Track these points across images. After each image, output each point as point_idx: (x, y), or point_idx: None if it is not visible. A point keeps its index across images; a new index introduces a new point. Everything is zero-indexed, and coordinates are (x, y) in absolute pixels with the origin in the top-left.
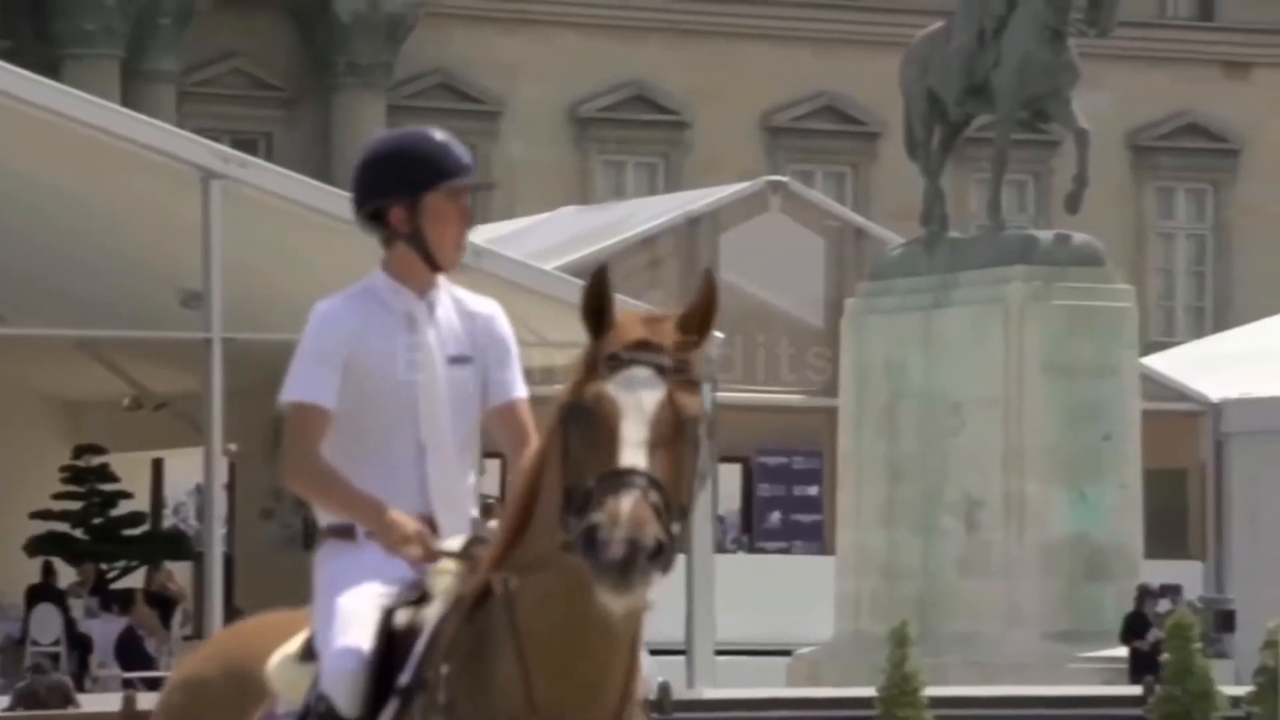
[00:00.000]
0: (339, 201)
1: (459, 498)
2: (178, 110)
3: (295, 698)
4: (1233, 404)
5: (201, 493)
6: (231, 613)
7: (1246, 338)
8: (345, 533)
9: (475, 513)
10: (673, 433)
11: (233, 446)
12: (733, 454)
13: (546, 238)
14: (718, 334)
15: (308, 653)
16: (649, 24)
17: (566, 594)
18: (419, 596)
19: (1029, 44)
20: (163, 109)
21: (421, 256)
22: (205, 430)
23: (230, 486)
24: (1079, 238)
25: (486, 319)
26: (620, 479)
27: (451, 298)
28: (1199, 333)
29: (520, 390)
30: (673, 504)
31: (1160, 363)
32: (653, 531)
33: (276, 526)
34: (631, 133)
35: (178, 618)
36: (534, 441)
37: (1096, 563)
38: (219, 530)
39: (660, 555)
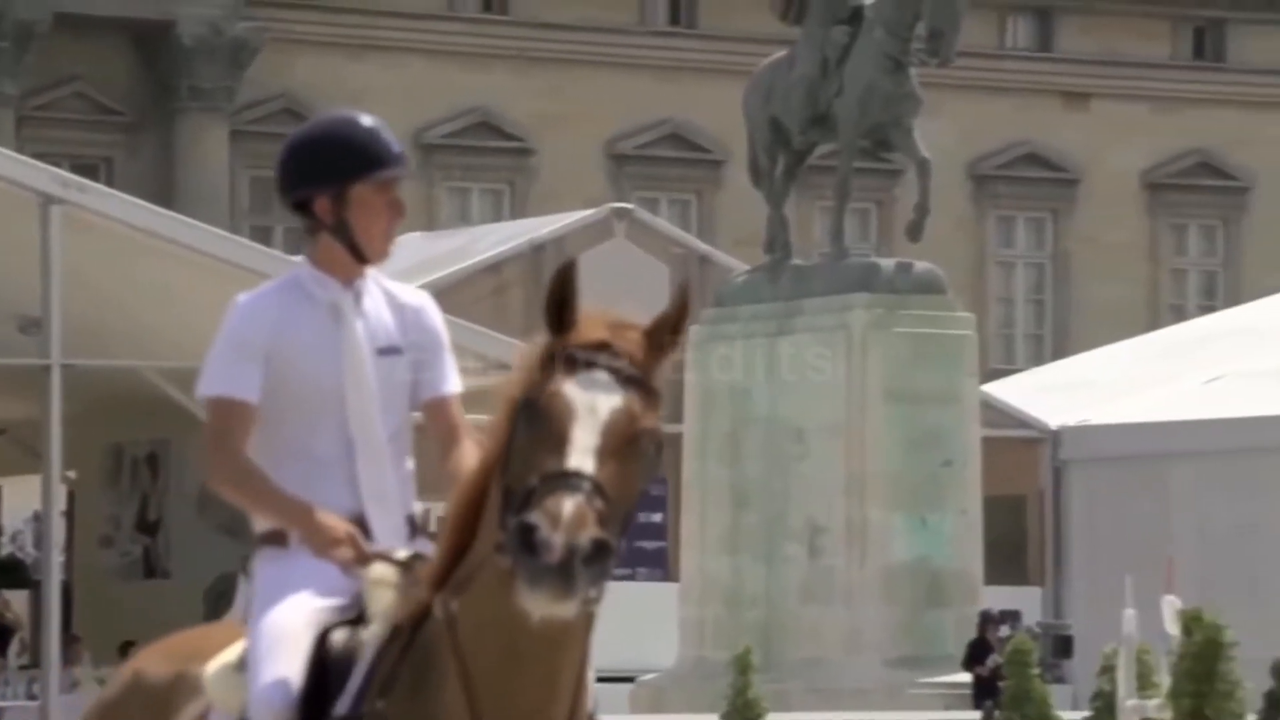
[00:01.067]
0: (180, 227)
1: (391, 496)
2: (17, 135)
3: (231, 709)
4: (1071, 431)
5: (39, 520)
6: (69, 640)
7: (1084, 365)
8: (277, 539)
9: (412, 509)
10: (624, 444)
11: (71, 474)
12: None
13: (390, 265)
14: None
15: (245, 663)
16: (495, 51)
17: (507, 603)
18: (357, 615)
19: (871, 73)
20: (2, 134)
21: (347, 248)
22: (44, 457)
23: (69, 514)
24: (920, 266)
25: (416, 310)
26: (565, 480)
27: (381, 289)
28: (1038, 360)
29: (451, 385)
30: (614, 515)
31: (1000, 390)
32: (592, 535)
33: (115, 554)
34: (477, 159)
35: (15, 646)
36: (464, 440)
37: (937, 589)
38: (57, 558)
39: (598, 562)
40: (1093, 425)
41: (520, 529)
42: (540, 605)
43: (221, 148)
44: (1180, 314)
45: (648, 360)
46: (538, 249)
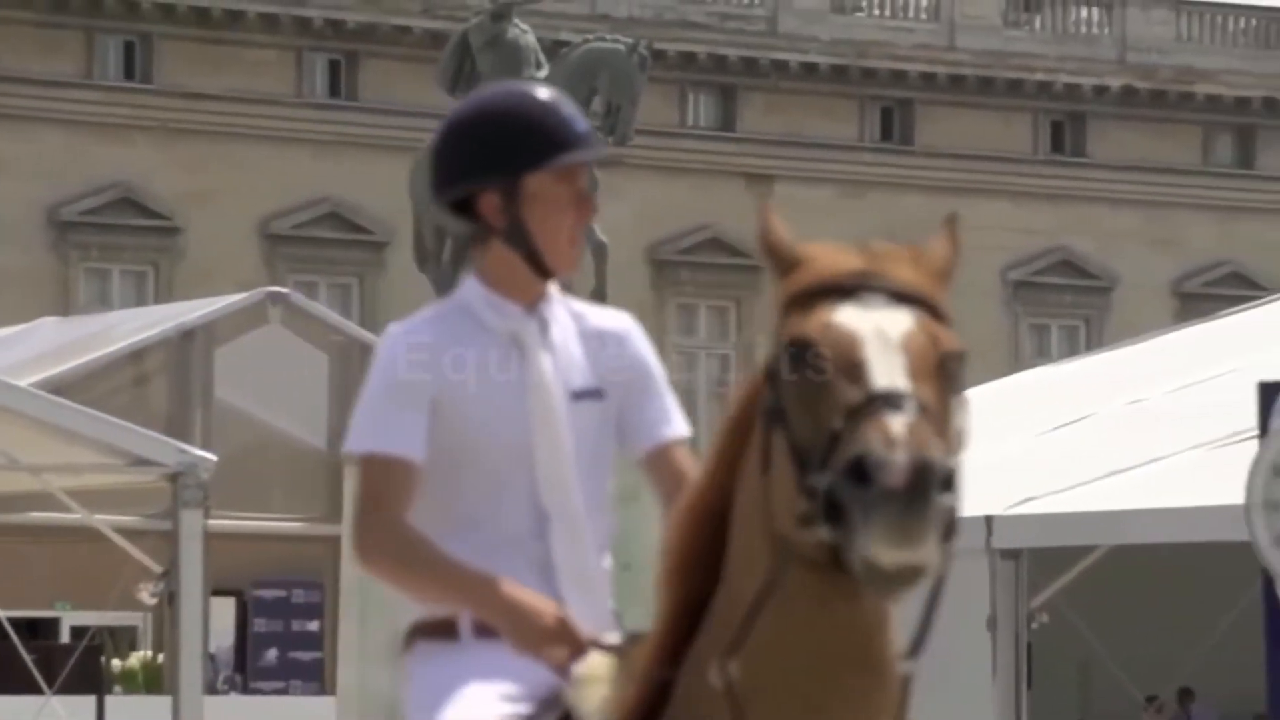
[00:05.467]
0: None
1: (595, 580)
2: None
3: None
4: None
5: None
6: None
7: None
8: (444, 630)
9: (611, 603)
10: (932, 368)
11: None
12: (225, 587)
13: (22, 351)
14: (209, 455)
15: None
16: (137, 122)
17: (817, 626)
18: (562, 717)
19: None
20: None
21: (525, 257)
22: None
23: None
24: None
25: (618, 339)
26: (882, 401)
27: (569, 313)
28: None
29: (677, 428)
30: (950, 444)
31: None
32: (941, 451)
33: None
34: (117, 238)
35: None
36: None
37: None
38: None
39: (951, 493)
40: None
41: (849, 464)
42: (888, 552)
43: None
44: None
45: (925, 280)
46: (185, 335)
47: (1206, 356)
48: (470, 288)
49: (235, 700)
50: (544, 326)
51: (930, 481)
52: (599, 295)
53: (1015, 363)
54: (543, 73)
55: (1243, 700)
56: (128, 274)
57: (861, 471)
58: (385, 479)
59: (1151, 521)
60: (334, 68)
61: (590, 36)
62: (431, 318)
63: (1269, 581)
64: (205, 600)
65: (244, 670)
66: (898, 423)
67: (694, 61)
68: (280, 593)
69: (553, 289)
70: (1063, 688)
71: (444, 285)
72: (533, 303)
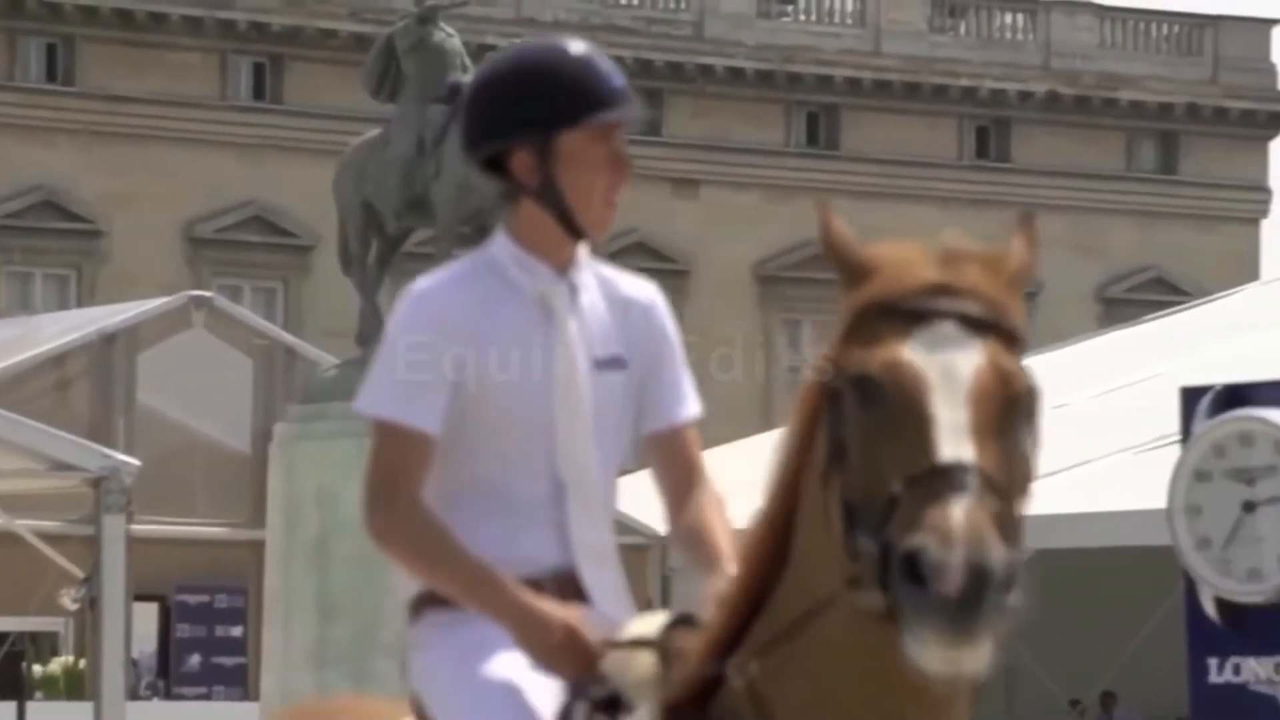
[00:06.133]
0: None
1: (608, 550)
2: None
3: None
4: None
5: None
6: None
7: None
8: (453, 599)
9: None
10: (1003, 412)
11: None
12: (149, 592)
13: None
14: (132, 460)
15: None
16: (59, 124)
17: (857, 655)
18: (606, 696)
19: None
20: None
21: (557, 218)
22: None
23: None
24: None
25: (645, 308)
26: (942, 479)
27: (597, 278)
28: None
29: (689, 409)
30: (1012, 516)
31: None
32: (1000, 552)
33: None
34: (40, 241)
35: None
36: (701, 484)
37: None
38: None
39: (1007, 589)
40: None
41: (904, 557)
42: (938, 655)
43: None
44: None
45: (999, 294)
46: (108, 339)
47: (1130, 362)
48: (500, 245)
49: (158, 706)
50: (573, 291)
51: (986, 588)
52: None
53: None
54: (468, 77)
55: (1165, 704)
56: (50, 278)
57: (917, 571)
58: (403, 452)
59: (1075, 526)
60: (259, 71)
61: (516, 41)
62: (459, 277)
63: (1191, 586)
64: (128, 605)
65: (167, 676)
66: (958, 511)
67: (620, 65)
68: (203, 598)
69: (582, 251)
70: (987, 692)
71: (369, 289)
72: (563, 265)
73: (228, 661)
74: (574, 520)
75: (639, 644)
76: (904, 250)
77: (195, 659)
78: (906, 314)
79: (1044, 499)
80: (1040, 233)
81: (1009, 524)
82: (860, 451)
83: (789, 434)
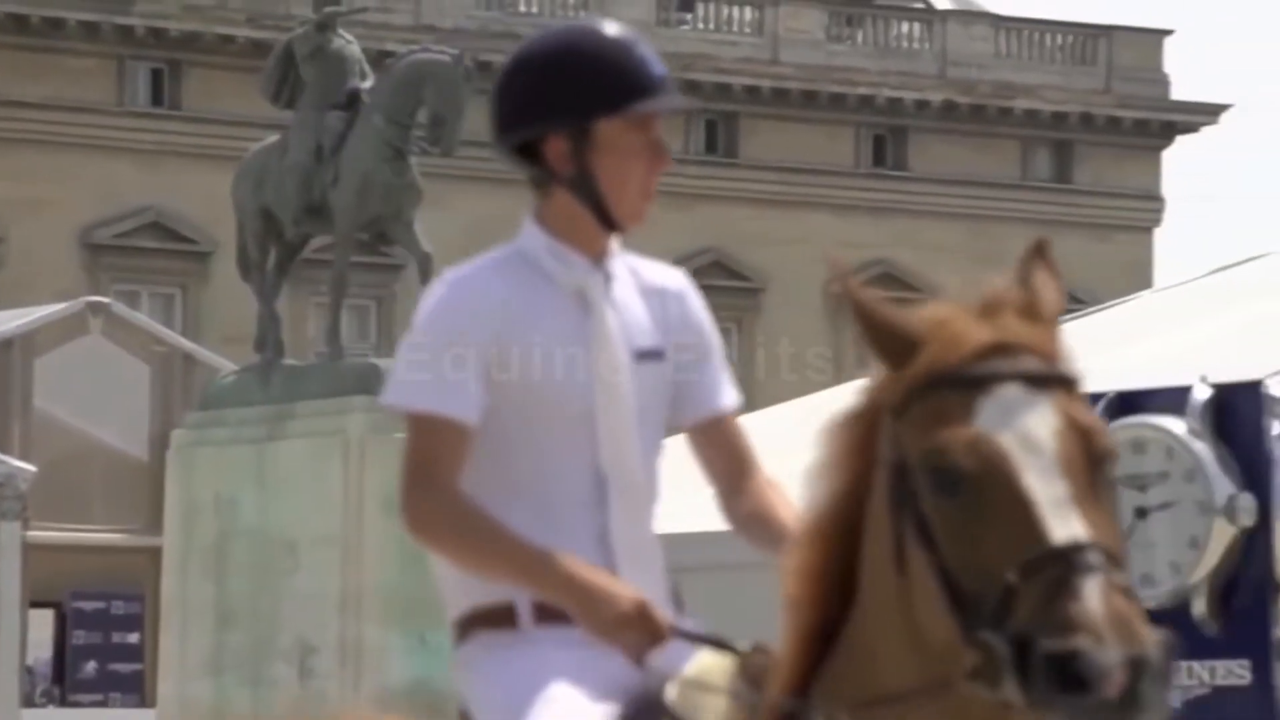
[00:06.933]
0: None
1: (652, 553)
2: None
3: None
4: None
5: None
6: None
7: None
8: (502, 618)
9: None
10: (1092, 473)
11: None
12: (44, 598)
13: None
14: (27, 466)
15: None
16: None
17: None
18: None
19: (369, 162)
20: None
21: (591, 208)
22: None
23: None
24: None
25: (679, 297)
26: (1064, 563)
27: (627, 267)
28: None
29: (730, 397)
30: (1129, 581)
31: None
32: (1152, 638)
33: None
34: None
35: None
36: (757, 472)
37: (437, 710)
38: None
39: (1166, 671)
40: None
41: (1053, 659)
42: None
43: None
44: None
45: (1051, 342)
46: (4, 345)
47: None
48: (532, 235)
49: (53, 713)
50: (609, 282)
51: (1147, 678)
52: None
53: (839, 374)
54: (367, 83)
55: None
56: None
57: (1072, 674)
58: (439, 443)
59: None
60: (156, 76)
61: (415, 48)
62: (492, 266)
63: None
64: (23, 612)
65: (62, 682)
66: (1096, 602)
67: None
68: (100, 604)
69: (615, 242)
70: None
71: (268, 295)
72: (598, 255)
73: (124, 668)
74: (615, 518)
75: (727, 649)
76: (943, 311)
77: (91, 666)
78: (967, 382)
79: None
80: (935, 240)
81: (1132, 594)
82: (953, 538)
83: (835, 468)
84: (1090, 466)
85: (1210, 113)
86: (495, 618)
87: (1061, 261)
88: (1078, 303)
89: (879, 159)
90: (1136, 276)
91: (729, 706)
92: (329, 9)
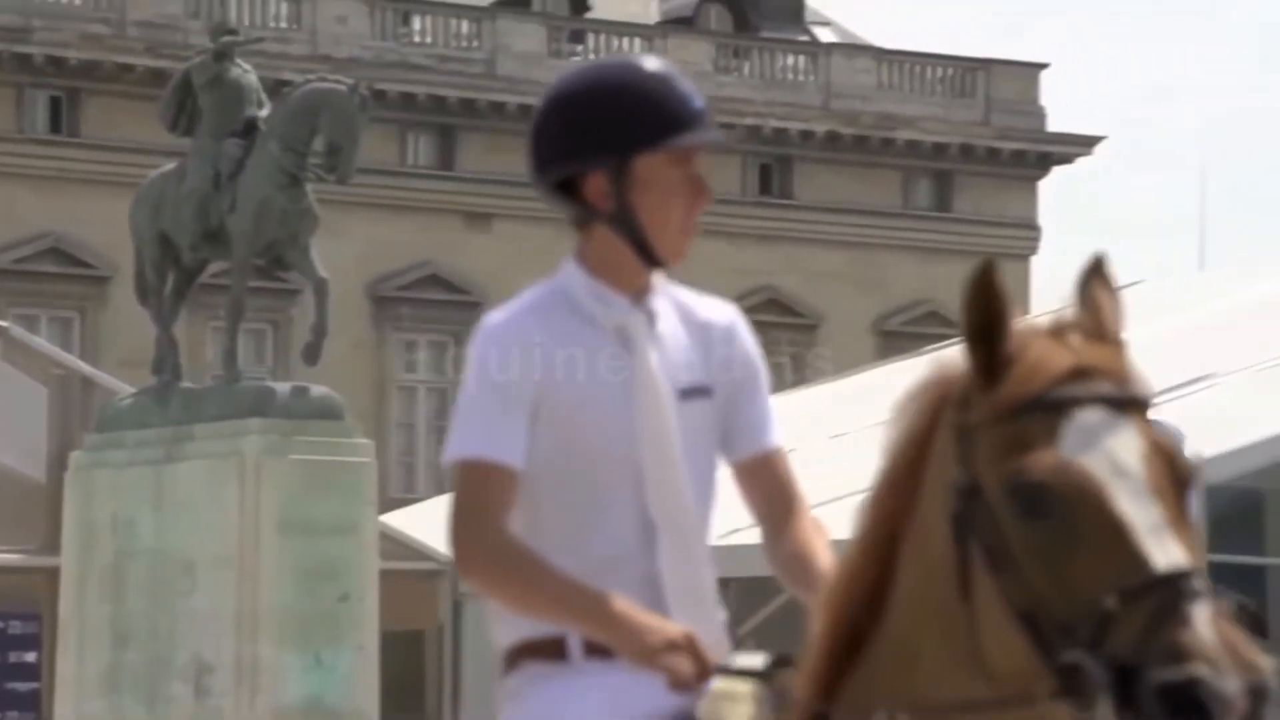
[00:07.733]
0: None
1: (706, 595)
2: None
3: None
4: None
5: None
6: None
7: None
8: (552, 650)
9: (724, 618)
10: (1181, 497)
11: None
12: None
13: None
14: None
15: None
16: None
17: None
18: None
19: (265, 188)
20: None
21: (632, 245)
22: None
23: None
24: (317, 390)
25: (726, 331)
26: (1169, 591)
27: (673, 302)
28: (440, 489)
29: (775, 434)
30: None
31: (401, 520)
32: (1268, 663)
33: None
34: None
35: None
36: (801, 511)
37: None
38: None
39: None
40: None
41: (1170, 689)
42: None
43: None
44: None
45: (1122, 362)
46: None
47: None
48: (571, 275)
49: None
50: (651, 319)
51: (1264, 705)
52: (319, 331)
53: None
54: (264, 112)
55: None
56: None
57: (1188, 702)
58: (486, 486)
59: None
60: (55, 104)
61: (312, 77)
62: (532, 308)
63: None
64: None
65: None
66: (1208, 630)
67: (414, 102)
68: None
69: (658, 278)
70: None
71: (165, 319)
72: (639, 293)
73: (21, 687)
74: (665, 564)
75: (748, 672)
76: (1021, 336)
77: None
78: (1047, 406)
79: (828, 527)
80: (820, 266)
81: (1236, 621)
82: (1037, 562)
83: (879, 487)
84: (1177, 490)
85: (1085, 144)
86: (545, 649)
87: (943, 288)
88: (958, 329)
89: (765, 188)
90: (1015, 303)
91: (755, 713)
92: (226, 38)
